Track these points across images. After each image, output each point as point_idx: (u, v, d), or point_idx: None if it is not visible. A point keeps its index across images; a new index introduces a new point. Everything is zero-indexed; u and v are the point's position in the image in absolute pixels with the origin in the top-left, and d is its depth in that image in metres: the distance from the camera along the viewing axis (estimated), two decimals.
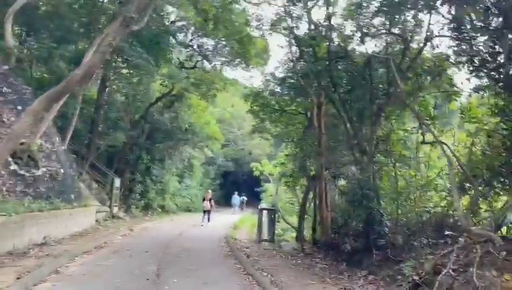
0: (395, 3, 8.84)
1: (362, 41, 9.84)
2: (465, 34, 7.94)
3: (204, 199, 19.30)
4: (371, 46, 10.62)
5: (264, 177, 27.53)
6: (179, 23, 20.27)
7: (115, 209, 17.11)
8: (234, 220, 21.37)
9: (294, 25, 11.80)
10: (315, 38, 11.08)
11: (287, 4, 11.73)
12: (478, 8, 7.44)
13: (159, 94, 21.47)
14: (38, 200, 9.73)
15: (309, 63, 11.12)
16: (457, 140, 9.62)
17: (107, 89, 19.03)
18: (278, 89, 13.69)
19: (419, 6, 8.74)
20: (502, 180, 7.71)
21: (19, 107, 11.04)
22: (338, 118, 11.40)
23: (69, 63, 15.32)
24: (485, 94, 8.11)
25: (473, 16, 7.60)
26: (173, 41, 20.01)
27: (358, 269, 8.23)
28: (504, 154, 7.71)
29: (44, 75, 16.87)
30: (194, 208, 28.03)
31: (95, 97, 18.96)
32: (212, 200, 19.26)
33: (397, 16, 9.32)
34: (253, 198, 32.33)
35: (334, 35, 10.87)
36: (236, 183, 38.02)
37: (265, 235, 13.43)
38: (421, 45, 9.45)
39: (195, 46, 21.03)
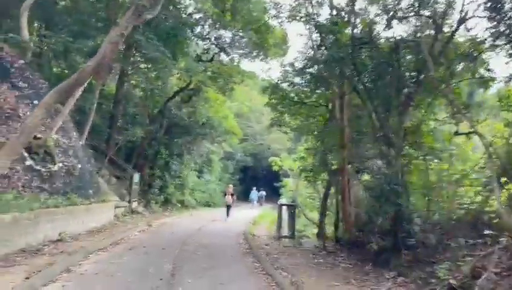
0: None
1: (389, 25, 9.17)
2: (504, 15, 7.27)
3: (225, 194, 19.19)
4: (398, 31, 9.93)
5: (284, 172, 27.02)
6: (196, 16, 19.99)
7: (134, 205, 17.08)
8: (253, 216, 21.10)
9: (314, 11, 11.23)
10: (337, 23, 10.44)
11: None
12: None
13: (177, 88, 21.29)
14: (54, 196, 9.57)
15: (330, 50, 10.47)
16: (494, 130, 8.93)
17: (125, 84, 18.97)
18: (297, 80, 13.07)
19: None
20: None
21: (35, 102, 10.92)
22: (362, 109, 10.78)
23: (86, 58, 15.24)
24: None
25: None
26: (190, 34, 19.72)
27: (385, 269, 7.75)
28: None
29: (65, 70, 16.90)
30: (213, 203, 27.99)
31: (113, 92, 19.00)
32: (234, 195, 19.29)
33: None
34: (273, 193, 31.99)
35: (358, 20, 10.22)
36: (255, 178, 37.77)
37: (285, 231, 13.06)
38: (454, 27, 8.76)
39: (212, 39, 20.77)
